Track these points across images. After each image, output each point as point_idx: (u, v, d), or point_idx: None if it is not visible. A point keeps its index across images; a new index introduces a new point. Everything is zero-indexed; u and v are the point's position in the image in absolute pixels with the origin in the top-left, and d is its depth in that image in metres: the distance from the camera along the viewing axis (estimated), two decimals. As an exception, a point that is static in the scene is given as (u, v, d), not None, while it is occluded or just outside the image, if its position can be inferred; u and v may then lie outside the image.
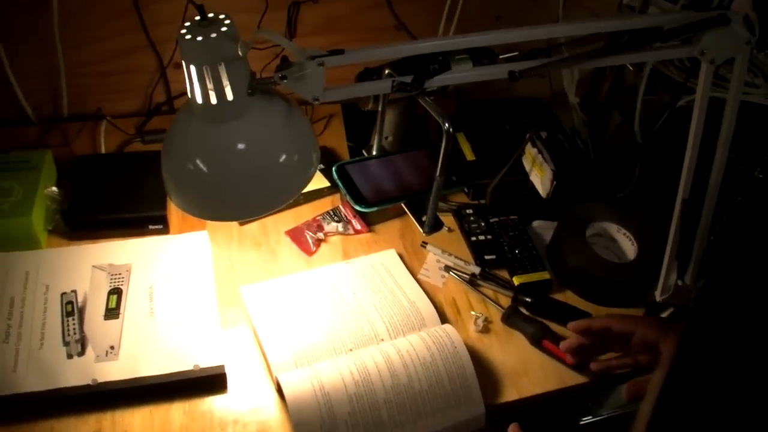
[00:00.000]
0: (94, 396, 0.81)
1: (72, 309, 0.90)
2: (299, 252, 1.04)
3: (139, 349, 0.86)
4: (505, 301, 1.00)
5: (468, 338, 0.95)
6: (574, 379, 0.92)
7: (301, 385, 0.82)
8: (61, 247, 0.98)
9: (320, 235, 1.06)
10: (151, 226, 1.01)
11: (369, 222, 1.09)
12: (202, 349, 0.86)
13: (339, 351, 0.89)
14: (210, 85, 0.69)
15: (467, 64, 0.90)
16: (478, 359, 0.92)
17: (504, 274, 1.04)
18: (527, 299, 0.98)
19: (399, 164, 0.86)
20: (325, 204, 1.12)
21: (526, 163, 1.09)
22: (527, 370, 0.93)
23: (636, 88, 1.27)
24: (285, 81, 0.71)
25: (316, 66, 0.70)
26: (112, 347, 0.86)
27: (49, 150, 1.05)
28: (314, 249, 1.05)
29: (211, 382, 0.85)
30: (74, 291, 0.92)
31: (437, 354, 0.87)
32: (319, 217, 1.09)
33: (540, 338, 0.94)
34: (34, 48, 1.11)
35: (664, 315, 0.98)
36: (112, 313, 0.90)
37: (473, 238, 1.08)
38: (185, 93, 1.25)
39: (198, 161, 0.72)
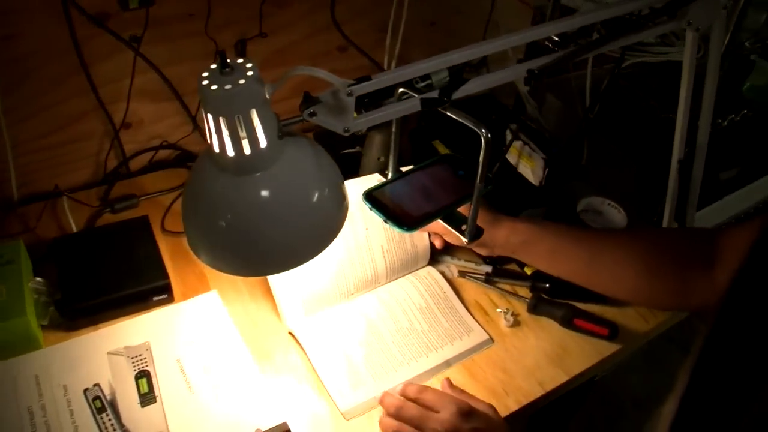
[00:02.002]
0: (162, 490, 0.75)
1: (102, 404, 0.82)
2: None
3: (190, 429, 0.80)
4: (524, 291, 1.02)
5: (502, 334, 0.96)
6: (610, 348, 0.96)
7: None
8: (64, 341, 0.89)
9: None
10: (155, 298, 0.94)
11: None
12: (258, 410, 0.82)
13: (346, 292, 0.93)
14: (243, 134, 0.66)
15: (443, 74, 0.91)
16: (519, 352, 0.94)
17: (513, 267, 1.06)
18: (545, 285, 1.01)
19: (421, 181, 0.85)
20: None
21: (511, 156, 1.12)
22: (567, 351, 0.95)
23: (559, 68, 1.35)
24: (315, 117, 0.70)
25: (346, 96, 0.69)
26: (162, 433, 0.80)
27: (19, 239, 0.94)
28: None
29: (278, 442, 0.81)
30: (97, 384, 0.84)
31: (430, 300, 0.98)
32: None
33: (571, 318, 0.97)
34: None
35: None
36: (147, 398, 0.83)
37: (472, 239, 1.09)
38: (139, 153, 1.18)
39: (232, 217, 0.69)
